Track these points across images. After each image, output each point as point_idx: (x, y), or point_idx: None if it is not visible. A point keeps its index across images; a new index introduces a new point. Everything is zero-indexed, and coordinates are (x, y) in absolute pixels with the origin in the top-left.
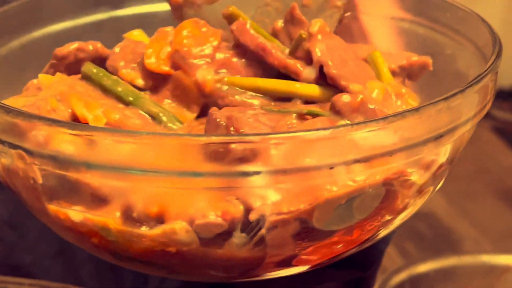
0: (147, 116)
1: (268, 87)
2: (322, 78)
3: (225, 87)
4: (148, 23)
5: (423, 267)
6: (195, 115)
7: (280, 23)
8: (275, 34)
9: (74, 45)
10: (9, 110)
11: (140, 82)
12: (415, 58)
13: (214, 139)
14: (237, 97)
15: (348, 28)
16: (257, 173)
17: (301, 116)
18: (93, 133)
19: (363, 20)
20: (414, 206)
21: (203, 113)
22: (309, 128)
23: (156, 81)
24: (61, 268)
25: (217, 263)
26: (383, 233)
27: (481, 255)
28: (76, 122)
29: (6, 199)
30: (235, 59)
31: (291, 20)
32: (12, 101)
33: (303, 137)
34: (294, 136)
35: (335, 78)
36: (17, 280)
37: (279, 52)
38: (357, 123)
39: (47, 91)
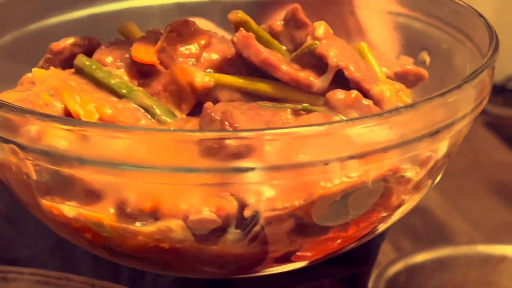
0: (141, 109)
1: (258, 89)
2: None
3: (216, 87)
4: (147, 17)
5: (419, 258)
6: (184, 114)
7: (279, 24)
8: (274, 35)
9: (70, 40)
10: (1, 105)
11: (125, 79)
12: (409, 66)
13: (208, 135)
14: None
15: (345, 23)
16: (252, 169)
17: (296, 112)
18: (86, 129)
19: (360, 15)
20: (411, 202)
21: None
22: (304, 124)
23: (141, 80)
24: (59, 262)
25: (211, 260)
26: (382, 227)
27: (477, 246)
28: (69, 117)
29: (3, 193)
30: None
31: (294, 21)
32: (5, 96)
33: (298, 133)
34: (289, 132)
35: (359, 81)
36: (18, 269)
37: (287, 66)
38: (352, 119)
39: (40, 86)
